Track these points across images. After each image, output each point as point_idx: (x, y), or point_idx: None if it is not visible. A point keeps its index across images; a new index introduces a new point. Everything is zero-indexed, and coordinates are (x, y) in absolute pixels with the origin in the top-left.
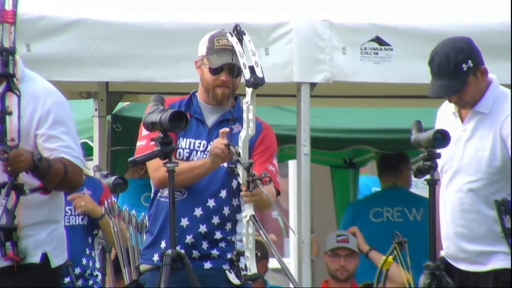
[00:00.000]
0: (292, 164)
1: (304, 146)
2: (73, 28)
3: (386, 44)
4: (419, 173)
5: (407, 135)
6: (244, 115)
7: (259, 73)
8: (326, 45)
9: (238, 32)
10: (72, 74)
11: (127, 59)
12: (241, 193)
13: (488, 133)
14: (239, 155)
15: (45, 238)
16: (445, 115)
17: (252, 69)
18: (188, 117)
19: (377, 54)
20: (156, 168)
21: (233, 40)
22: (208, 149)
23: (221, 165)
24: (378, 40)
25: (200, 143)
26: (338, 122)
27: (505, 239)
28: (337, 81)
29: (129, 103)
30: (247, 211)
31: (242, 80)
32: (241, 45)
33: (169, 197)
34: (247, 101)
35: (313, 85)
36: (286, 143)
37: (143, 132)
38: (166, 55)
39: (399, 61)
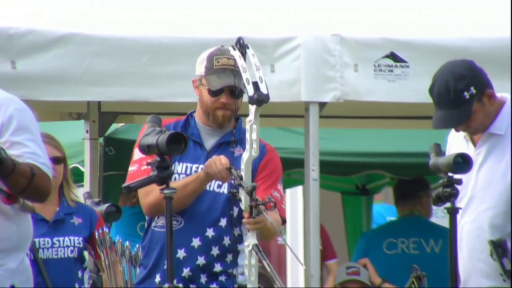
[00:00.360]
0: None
1: (313, 171)
2: (63, 43)
3: (401, 60)
4: (439, 200)
5: (425, 159)
6: (247, 135)
7: (263, 89)
8: (336, 62)
9: (241, 46)
10: (62, 93)
11: (121, 77)
12: (243, 220)
13: (504, 155)
14: (241, 178)
15: (14, 269)
16: (456, 139)
17: (256, 85)
18: (188, 139)
19: (392, 71)
20: (147, 193)
21: (236, 54)
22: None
23: (221, 191)
24: (393, 56)
25: (197, 168)
26: (349, 145)
27: (508, 282)
28: (348, 100)
29: (123, 124)
30: (250, 240)
31: (245, 99)
32: (244, 59)
33: (166, 226)
34: (250, 120)
35: (322, 104)
36: (293, 168)
37: (136, 155)
38: (163, 72)
39: (416, 79)
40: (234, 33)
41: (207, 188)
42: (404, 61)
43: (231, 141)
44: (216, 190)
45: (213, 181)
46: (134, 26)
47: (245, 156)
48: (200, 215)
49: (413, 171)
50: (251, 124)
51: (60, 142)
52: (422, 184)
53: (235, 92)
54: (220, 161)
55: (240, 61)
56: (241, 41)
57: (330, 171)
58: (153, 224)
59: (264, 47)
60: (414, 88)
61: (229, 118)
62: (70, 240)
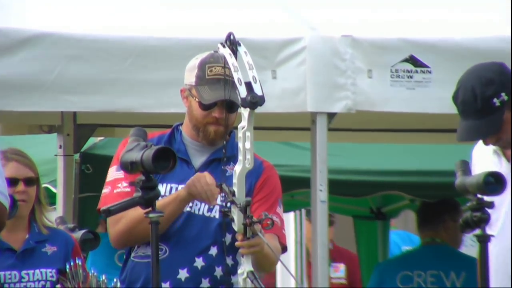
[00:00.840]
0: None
1: (321, 192)
2: (32, 44)
3: (423, 65)
4: (467, 226)
5: (450, 179)
6: (240, 144)
7: (257, 90)
8: (347, 67)
9: (232, 43)
10: (31, 103)
11: (100, 83)
12: (236, 243)
13: None
14: (233, 194)
15: None
16: (484, 154)
17: (249, 85)
18: (177, 155)
19: (411, 77)
20: (116, 221)
21: (226, 52)
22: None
23: (212, 215)
24: (413, 60)
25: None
26: (362, 162)
27: None
28: (361, 110)
29: (102, 138)
30: (244, 267)
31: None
32: (236, 57)
33: (152, 257)
34: (243, 126)
35: (331, 115)
36: (297, 188)
37: (110, 175)
38: (149, 79)
39: (440, 86)
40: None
41: (196, 211)
42: (426, 66)
43: (225, 158)
44: (206, 214)
45: (203, 204)
46: (116, 25)
47: (238, 168)
48: (187, 242)
49: (436, 192)
50: (244, 131)
51: (32, 159)
52: (448, 205)
53: (229, 105)
54: (205, 178)
55: (230, 60)
56: (232, 37)
57: (340, 191)
58: (133, 254)
59: (264, 50)
60: (437, 96)
61: (221, 134)
62: (41, 273)
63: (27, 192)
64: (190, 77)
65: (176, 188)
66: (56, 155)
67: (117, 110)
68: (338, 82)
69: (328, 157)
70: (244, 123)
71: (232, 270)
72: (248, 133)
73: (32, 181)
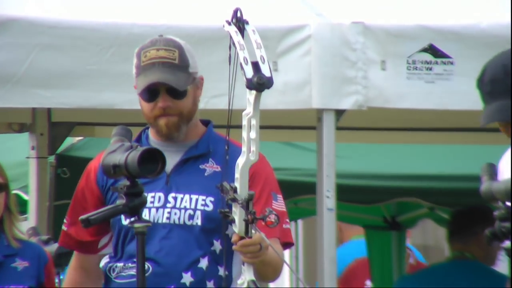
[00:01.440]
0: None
1: (328, 198)
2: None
3: (444, 55)
4: (494, 238)
5: (474, 184)
6: (244, 134)
7: (265, 71)
8: (358, 58)
9: (238, 20)
10: None
11: (77, 76)
12: (234, 247)
13: None
14: (235, 191)
15: None
16: None
17: (255, 65)
18: (165, 157)
19: (431, 69)
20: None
21: (231, 29)
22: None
23: (195, 223)
24: (433, 50)
25: (154, 197)
26: (375, 165)
27: None
28: (373, 107)
29: (81, 138)
30: (245, 276)
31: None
32: (242, 35)
33: (137, 271)
34: (248, 113)
35: (339, 113)
36: (301, 194)
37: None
38: (133, 71)
39: (463, 79)
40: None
41: (176, 221)
42: (448, 56)
43: (198, 156)
44: (188, 222)
45: (183, 211)
46: (95, 9)
47: (241, 161)
48: (172, 257)
49: (458, 200)
50: (249, 118)
51: (0, 163)
52: (480, 215)
53: (172, 90)
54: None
55: (236, 37)
56: (239, 14)
57: (350, 198)
58: (113, 275)
59: (264, 38)
60: (460, 91)
61: (176, 125)
62: None
63: None
64: (133, 70)
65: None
66: (27, 158)
67: (97, 106)
68: (347, 75)
69: (336, 160)
70: (249, 109)
71: (228, 282)
72: (253, 121)
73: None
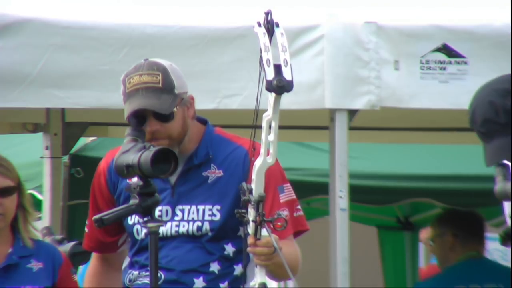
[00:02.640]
0: None
1: (341, 198)
2: (14, 32)
3: (458, 55)
4: (508, 239)
5: (488, 185)
6: (262, 135)
7: (286, 75)
8: (371, 58)
9: (269, 22)
10: (12, 98)
11: (91, 77)
12: (248, 249)
13: None
14: (251, 192)
15: None
16: None
17: (277, 68)
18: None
19: (444, 69)
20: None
21: (260, 31)
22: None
23: (202, 232)
24: (447, 50)
25: (161, 211)
26: (388, 165)
27: None
28: (386, 107)
29: (94, 138)
30: (257, 278)
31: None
32: (270, 38)
33: (150, 271)
34: (267, 115)
35: (352, 113)
36: (314, 194)
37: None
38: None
39: (477, 79)
40: (237, 21)
41: (184, 233)
42: (461, 56)
43: (200, 164)
44: (197, 234)
45: (191, 223)
46: (108, 10)
47: (258, 163)
48: (182, 263)
49: (472, 200)
50: (268, 120)
51: (12, 164)
52: (481, 217)
53: (157, 115)
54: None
55: (263, 39)
56: (270, 17)
57: (363, 199)
58: (127, 280)
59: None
60: (474, 90)
61: (170, 145)
62: None
63: (2, 205)
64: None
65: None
66: (42, 158)
67: (110, 106)
68: (360, 75)
69: (349, 160)
70: (269, 111)
71: (242, 282)
72: (273, 123)
73: (8, 191)
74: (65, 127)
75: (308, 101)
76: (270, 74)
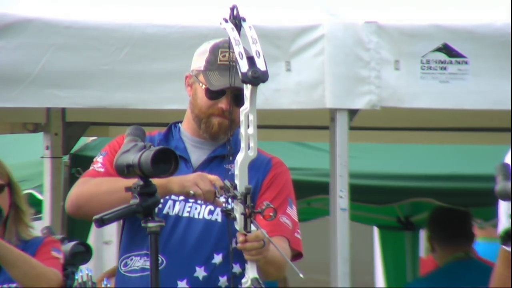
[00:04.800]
0: None
1: (341, 198)
2: (14, 32)
3: (458, 55)
4: (508, 239)
5: (489, 184)
6: (242, 129)
7: (260, 65)
8: (371, 57)
9: (235, 17)
10: (12, 98)
11: (92, 76)
12: (238, 245)
13: None
14: (235, 188)
15: None
16: None
17: (251, 60)
18: (178, 157)
19: (445, 69)
20: (85, 182)
21: (228, 27)
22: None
23: (214, 218)
24: (447, 50)
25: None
26: (388, 165)
27: None
28: (387, 107)
29: (95, 138)
30: (248, 274)
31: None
32: (239, 32)
33: (151, 270)
34: (245, 108)
35: (353, 113)
36: (314, 194)
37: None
38: (147, 71)
39: (477, 79)
40: None
41: (196, 215)
42: (462, 56)
43: (225, 155)
44: (207, 217)
45: (203, 207)
46: (109, 10)
47: (239, 157)
48: (187, 250)
49: (472, 200)
50: (246, 113)
51: (2, 162)
52: (470, 217)
53: (239, 97)
54: (208, 180)
55: (232, 33)
56: (236, 11)
57: (363, 198)
58: (123, 269)
59: (277, 38)
60: (475, 91)
61: (225, 129)
62: None
63: None
64: (199, 62)
65: None
66: (42, 157)
67: (111, 106)
68: (360, 74)
69: (350, 160)
70: (246, 104)
71: (238, 281)
72: (251, 116)
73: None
74: (66, 127)
75: (309, 101)
76: (244, 66)
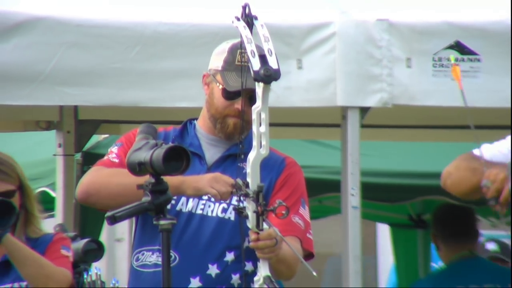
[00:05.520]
0: None
1: (353, 196)
2: (27, 30)
3: (471, 52)
4: None
5: None
6: (254, 128)
7: (272, 64)
8: (383, 55)
9: (247, 15)
10: (25, 96)
11: (103, 75)
12: (250, 244)
13: None
14: (247, 186)
15: None
16: None
17: (263, 58)
18: (190, 155)
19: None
20: (99, 170)
21: (240, 25)
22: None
23: (227, 217)
24: (459, 47)
25: None
26: (400, 163)
27: None
28: (398, 105)
29: (107, 136)
30: (260, 272)
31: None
32: (251, 31)
33: (162, 266)
34: (257, 106)
35: (364, 110)
36: (326, 192)
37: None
38: (158, 69)
39: (490, 76)
40: None
41: (209, 213)
42: (474, 53)
43: (240, 154)
44: (220, 215)
45: (216, 204)
46: (120, 9)
47: (251, 155)
48: (199, 248)
49: (483, 197)
50: (258, 111)
51: (14, 165)
52: (475, 214)
53: (255, 98)
54: (224, 181)
55: (244, 32)
56: (247, 9)
57: (375, 196)
58: (135, 263)
59: (288, 36)
60: (487, 88)
61: (241, 129)
62: (21, 287)
63: None
64: (216, 61)
65: None
66: (55, 155)
67: (122, 104)
68: (372, 72)
69: (361, 157)
70: (258, 102)
71: (251, 278)
72: (263, 114)
73: (8, 195)
74: (78, 125)
75: (320, 98)
76: (256, 64)
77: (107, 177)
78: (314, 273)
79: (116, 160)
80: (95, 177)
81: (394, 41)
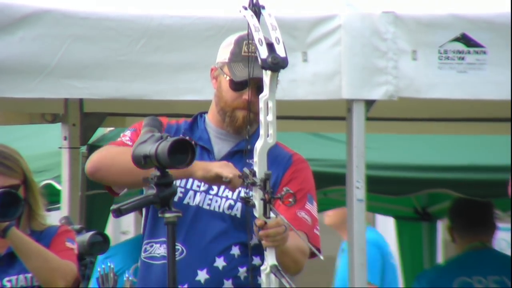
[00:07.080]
0: None
1: (358, 189)
2: (32, 23)
3: (476, 44)
4: None
5: (506, 175)
6: (261, 117)
7: (280, 52)
8: (388, 48)
9: (255, 5)
10: (31, 88)
11: (109, 67)
12: (260, 233)
13: None
14: (254, 174)
15: None
16: None
17: (270, 46)
18: (195, 147)
19: (463, 59)
20: (110, 148)
21: (247, 14)
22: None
23: (234, 214)
24: (465, 39)
25: (201, 181)
26: (405, 156)
27: None
28: (404, 97)
29: (112, 129)
30: (267, 261)
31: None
32: (259, 20)
33: (168, 259)
34: (264, 95)
35: (369, 103)
36: (331, 185)
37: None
38: (164, 62)
39: (496, 69)
40: None
41: (216, 208)
42: (480, 46)
43: (244, 150)
44: (227, 212)
45: (223, 200)
46: (126, 1)
47: (258, 144)
48: (206, 241)
49: (490, 191)
50: (265, 100)
51: (19, 159)
52: (492, 207)
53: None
54: (234, 168)
55: (252, 20)
56: (256, 0)
57: (380, 189)
58: (143, 254)
59: (293, 29)
60: (493, 81)
61: (250, 121)
62: (26, 279)
63: None
64: (224, 54)
65: (193, 181)
66: (60, 148)
67: (128, 97)
68: (377, 65)
69: (366, 150)
70: (265, 91)
71: (259, 271)
72: (270, 103)
73: (12, 189)
74: (84, 118)
75: (325, 91)
76: (263, 52)
77: (121, 154)
78: (321, 257)
79: (130, 143)
80: (108, 153)
81: (400, 34)
